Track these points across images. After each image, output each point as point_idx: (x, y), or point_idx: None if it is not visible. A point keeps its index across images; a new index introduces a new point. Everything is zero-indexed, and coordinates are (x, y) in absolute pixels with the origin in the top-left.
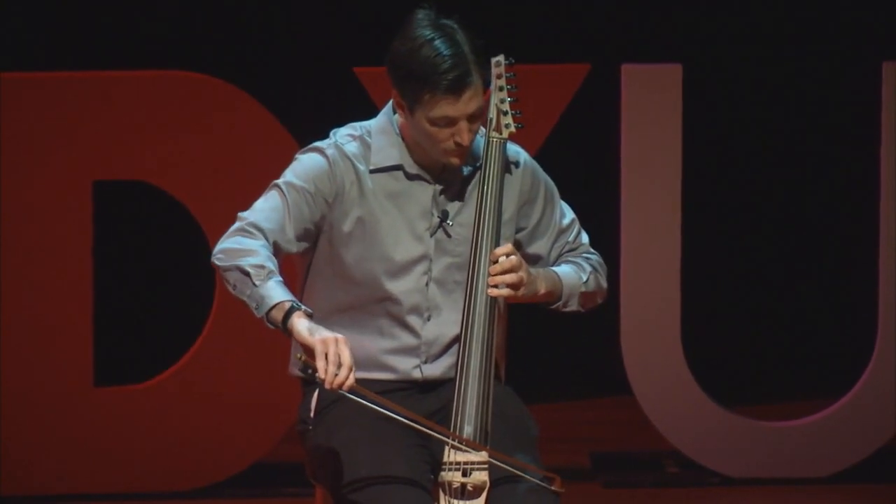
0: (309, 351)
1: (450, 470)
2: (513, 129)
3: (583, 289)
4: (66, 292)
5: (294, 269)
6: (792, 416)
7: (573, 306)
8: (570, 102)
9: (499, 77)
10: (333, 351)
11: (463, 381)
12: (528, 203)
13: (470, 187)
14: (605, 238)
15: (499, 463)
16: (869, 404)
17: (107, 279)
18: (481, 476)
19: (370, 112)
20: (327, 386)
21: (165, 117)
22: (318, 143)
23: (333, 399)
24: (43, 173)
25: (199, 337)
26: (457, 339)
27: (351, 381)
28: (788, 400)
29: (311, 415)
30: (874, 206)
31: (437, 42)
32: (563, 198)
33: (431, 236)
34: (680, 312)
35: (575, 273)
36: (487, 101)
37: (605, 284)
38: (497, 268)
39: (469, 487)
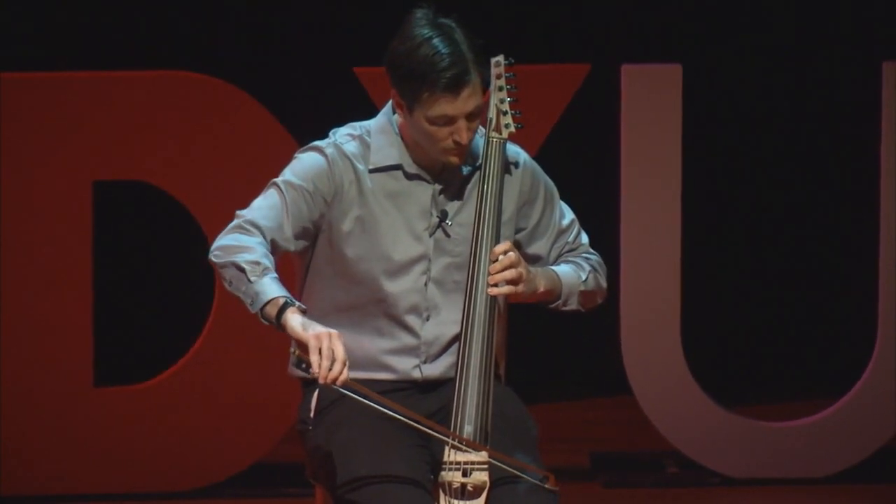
0: (303, 346)
1: (450, 470)
2: (512, 129)
3: (582, 288)
4: (66, 292)
5: (293, 269)
6: (792, 416)
7: (573, 305)
8: (570, 102)
9: (498, 77)
10: (327, 346)
11: (463, 381)
12: (527, 203)
13: (469, 187)
14: (605, 238)
15: (499, 463)
16: (869, 404)
17: (107, 279)
18: (481, 476)
19: (370, 112)
20: (321, 380)
21: (165, 117)
22: (317, 143)
23: (333, 399)
24: (43, 173)
25: (199, 337)
26: (456, 339)
27: (345, 375)
28: (788, 400)
29: (311, 415)
30: (874, 206)
31: (435, 41)
32: (563, 198)
33: (430, 236)
34: (680, 312)
35: (574, 272)
36: (487, 101)
37: (604, 284)
38: (497, 266)
39: (469, 487)
